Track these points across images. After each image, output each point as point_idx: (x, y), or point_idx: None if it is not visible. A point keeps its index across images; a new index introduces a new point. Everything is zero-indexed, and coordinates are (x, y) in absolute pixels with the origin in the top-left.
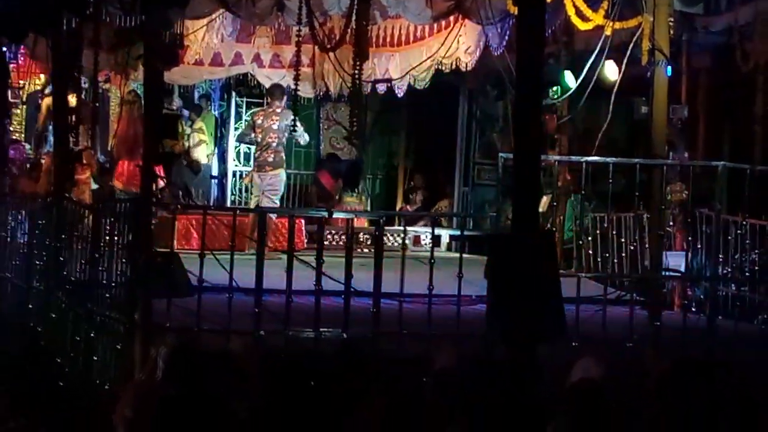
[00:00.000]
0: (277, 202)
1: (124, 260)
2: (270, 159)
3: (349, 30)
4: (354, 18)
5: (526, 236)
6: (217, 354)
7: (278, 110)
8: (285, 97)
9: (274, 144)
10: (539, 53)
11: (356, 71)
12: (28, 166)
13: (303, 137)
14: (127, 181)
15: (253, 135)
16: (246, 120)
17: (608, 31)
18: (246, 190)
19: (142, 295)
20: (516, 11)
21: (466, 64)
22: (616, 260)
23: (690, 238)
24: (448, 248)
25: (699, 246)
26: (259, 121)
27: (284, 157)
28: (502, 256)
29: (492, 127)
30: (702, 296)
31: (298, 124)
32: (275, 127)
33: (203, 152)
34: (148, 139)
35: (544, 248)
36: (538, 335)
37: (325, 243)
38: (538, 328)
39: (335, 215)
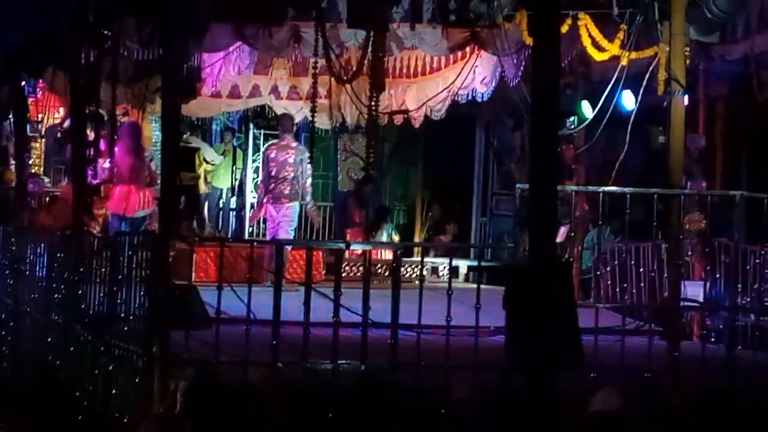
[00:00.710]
0: (292, 233)
1: (142, 293)
2: (286, 191)
3: (365, 61)
4: (370, 50)
5: (542, 266)
6: (235, 386)
7: (292, 144)
8: (295, 127)
9: (290, 177)
10: (555, 84)
11: (373, 102)
12: (47, 199)
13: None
14: (116, 205)
15: (267, 169)
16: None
17: (624, 62)
18: (264, 222)
19: (161, 327)
20: (531, 42)
21: (483, 95)
22: (634, 290)
23: (708, 268)
24: (466, 279)
25: (718, 275)
26: (273, 155)
27: (299, 190)
28: (520, 287)
29: (509, 157)
30: (721, 326)
31: (308, 164)
32: (291, 160)
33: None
34: (165, 171)
35: (561, 278)
36: (556, 365)
37: (344, 274)
38: (556, 358)
39: (353, 246)
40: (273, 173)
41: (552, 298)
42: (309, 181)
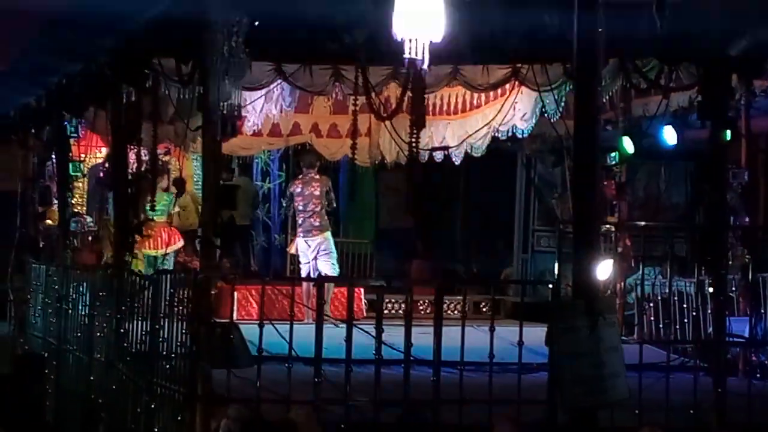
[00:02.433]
0: (336, 263)
1: (184, 331)
2: (316, 223)
3: (405, 98)
4: (410, 86)
5: (588, 304)
6: (278, 424)
7: (316, 177)
8: (319, 163)
9: (318, 209)
10: (595, 121)
11: (413, 140)
12: (90, 238)
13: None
14: (153, 244)
15: (294, 205)
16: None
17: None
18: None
19: (203, 365)
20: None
21: (523, 131)
22: (677, 326)
23: (753, 303)
24: (508, 316)
25: (762, 311)
26: (299, 190)
27: (328, 221)
28: (563, 323)
29: (550, 193)
30: (766, 362)
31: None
32: (317, 193)
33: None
34: (207, 209)
35: (606, 313)
36: (600, 403)
37: (385, 312)
38: (601, 396)
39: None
40: (301, 207)
41: (597, 336)
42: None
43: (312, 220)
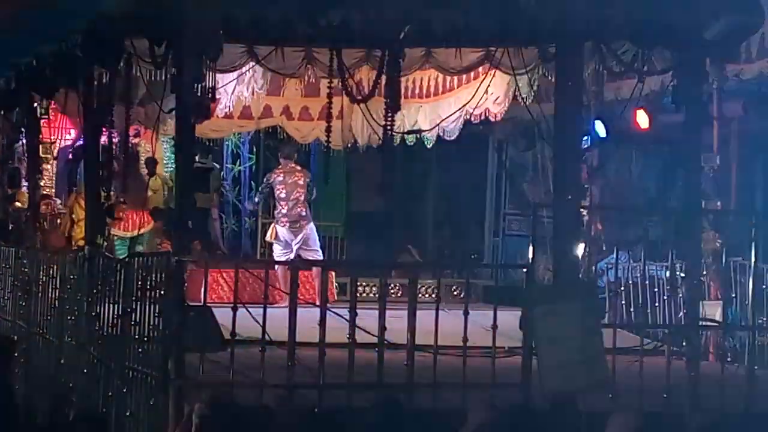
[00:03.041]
0: (320, 252)
1: (156, 314)
2: (303, 213)
3: (380, 81)
4: (385, 70)
5: (568, 288)
6: (251, 408)
7: (297, 168)
8: (296, 155)
9: (302, 198)
10: (577, 105)
11: (388, 123)
12: (58, 221)
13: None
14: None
15: (265, 193)
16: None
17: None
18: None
19: (176, 349)
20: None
21: (496, 115)
22: (649, 310)
23: (723, 288)
24: (480, 300)
25: (734, 295)
26: (281, 178)
27: (310, 211)
28: (544, 309)
29: (522, 176)
30: (737, 346)
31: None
32: (301, 182)
33: None
34: (180, 193)
35: (587, 299)
36: (582, 388)
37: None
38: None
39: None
40: (284, 195)
41: (578, 320)
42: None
43: (299, 209)
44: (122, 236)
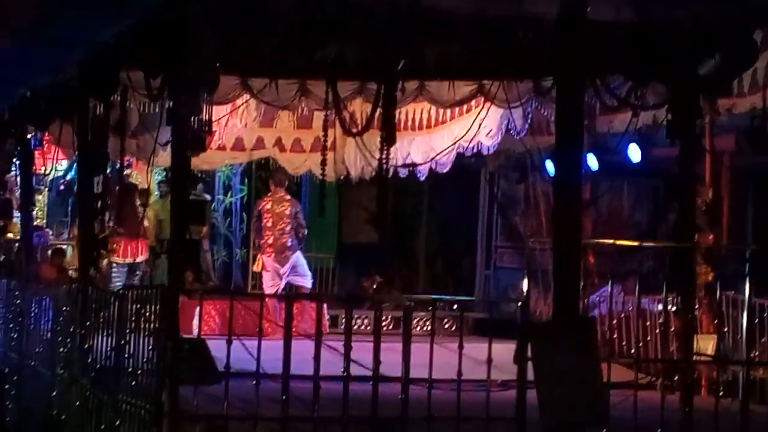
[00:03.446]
0: (310, 278)
1: (150, 347)
2: (288, 243)
3: (375, 114)
4: (381, 102)
5: (569, 325)
6: None
7: (286, 197)
8: (287, 182)
9: (288, 228)
10: (578, 138)
11: (383, 156)
12: (49, 252)
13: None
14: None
15: (262, 222)
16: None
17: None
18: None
19: (170, 382)
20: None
21: (488, 147)
22: (641, 344)
23: (716, 321)
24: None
25: (726, 329)
26: (268, 206)
27: (298, 241)
28: (544, 344)
29: (514, 209)
30: (729, 380)
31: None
32: (287, 212)
33: None
34: (174, 225)
35: (587, 336)
36: (583, 423)
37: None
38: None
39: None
40: (270, 225)
41: (577, 355)
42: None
43: (284, 239)
44: (119, 263)
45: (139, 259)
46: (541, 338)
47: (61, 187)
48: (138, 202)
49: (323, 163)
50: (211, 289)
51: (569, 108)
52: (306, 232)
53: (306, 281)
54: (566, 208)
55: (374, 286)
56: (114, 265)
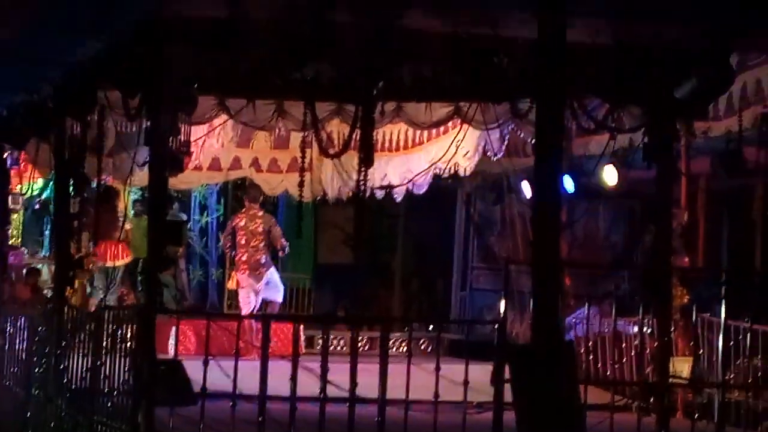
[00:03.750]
0: (282, 294)
1: (126, 368)
2: (262, 260)
3: (354, 135)
4: (359, 124)
5: (548, 348)
6: None
7: (259, 213)
8: (261, 197)
9: (262, 245)
10: (557, 160)
11: (361, 177)
12: (24, 272)
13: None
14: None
15: (236, 239)
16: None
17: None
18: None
19: (146, 403)
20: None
21: (465, 169)
22: (617, 366)
23: (692, 344)
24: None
25: (701, 352)
26: (242, 224)
27: (270, 258)
28: (525, 368)
29: (490, 230)
30: (704, 403)
31: (277, 228)
32: (260, 230)
33: None
34: (152, 245)
35: (566, 359)
36: None
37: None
38: None
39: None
40: (243, 242)
41: (558, 380)
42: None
43: (258, 257)
44: (100, 267)
45: (119, 263)
46: (520, 360)
47: (37, 206)
48: (120, 207)
49: (301, 184)
50: (187, 310)
51: (548, 130)
52: (285, 242)
53: (279, 296)
54: (544, 229)
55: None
56: (96, 270)
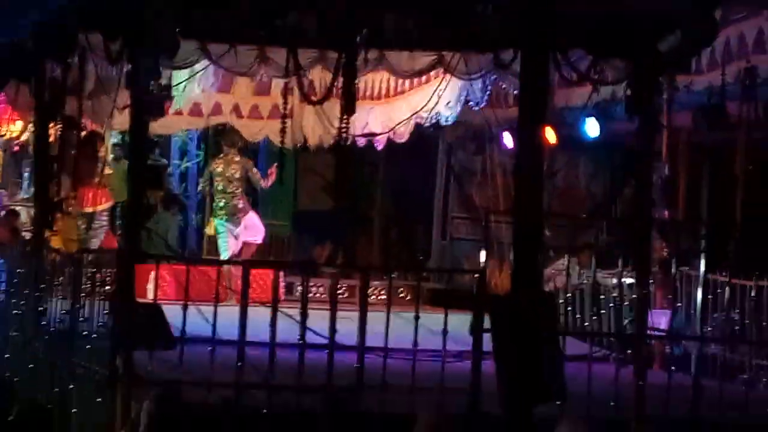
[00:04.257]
0: (262, 235)
1: (105, 311)
2: (240, 205)
3: (336, 83)
4: (342, 72)
5: (529, 297)
6: (199, 407)
7: (236, 158)
8: (240, 143)
9: (239, 191)
10: (542, 110)
11: (343, 125)
12: (2, 213)
13: (265, 182)
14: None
15: (211, 184)
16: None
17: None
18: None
19: (125, 346)
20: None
21: (447, 118)
22: (595, 318)
23: (670, 297)
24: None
25: (679, 304)
26: (219, 169)
27: (248, 202)
28: (504, 317)
29: (470, 181)
30: (680, 355)
31: (255, 170)
32: (237, 175)
33: None
34: (133, 190)
35: (546, 309)
36: (541, 397)
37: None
38: (541, 390)
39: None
40: (220, 188)
41: (537, 329)
42: (263, 182)
43: (235, 201)
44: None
45: (99, 208)
46: (501, 310)
47: (16, 149)
48: (101, 152)
49: (282, 131)
50: (167, 255)
51: (533, 81)
52: (267, 182)
53: (259, 237)
54: (526, 180)
55: (325, 254)
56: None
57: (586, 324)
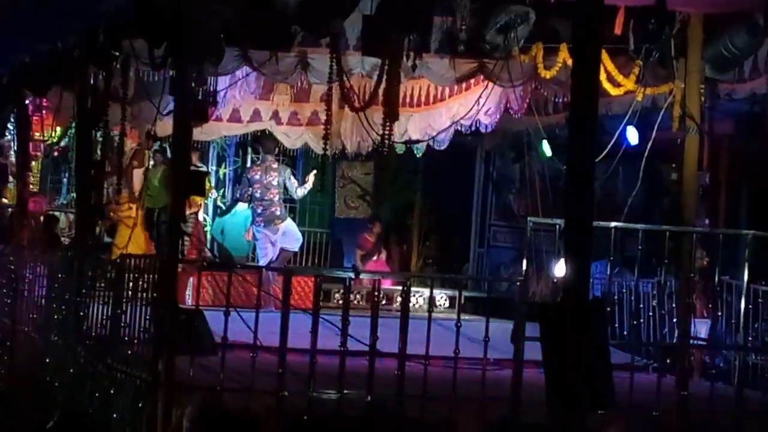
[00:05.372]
0: (299, 243)
1: (147, 316)
2: (278, 213)
3: (379, 90)
4: (385, 78)
5: (579, 305)
6: (240, 414)
7: (274, 165)
8: (277, 149)
9: (277, 198)
10: (593, 118)
11: (386, 132)
12: (41, 218)
13: (302, 189)
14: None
15: (250, 191)
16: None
17: (639, 97)
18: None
19: (166, 352)
20: (545, 75)
21: (486, 126)
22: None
23: (711, 306)
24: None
25: (720, 314)
26: (257, 177)
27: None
28: (556, 325)
29: (508, 188)
30: (722, 364)
31: (293, 179)
32: (275, 182)
33: None
34: (175, 196)
35: (597, 317)
36: (590, 405)
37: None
38: (591, 398)
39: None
40: (258, 195)
41: (587, 338)
42: (300, 190)
43: (273, 209)
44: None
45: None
46: (551, 319)
47: (55, 154)
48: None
49: (326, 137)
50: (210, 262)
51: (585, 87)
52: (303, 190)
53: (296, 245)
54: (578, 189)
55: (377, 236)
56: None
57: (625, 333)
